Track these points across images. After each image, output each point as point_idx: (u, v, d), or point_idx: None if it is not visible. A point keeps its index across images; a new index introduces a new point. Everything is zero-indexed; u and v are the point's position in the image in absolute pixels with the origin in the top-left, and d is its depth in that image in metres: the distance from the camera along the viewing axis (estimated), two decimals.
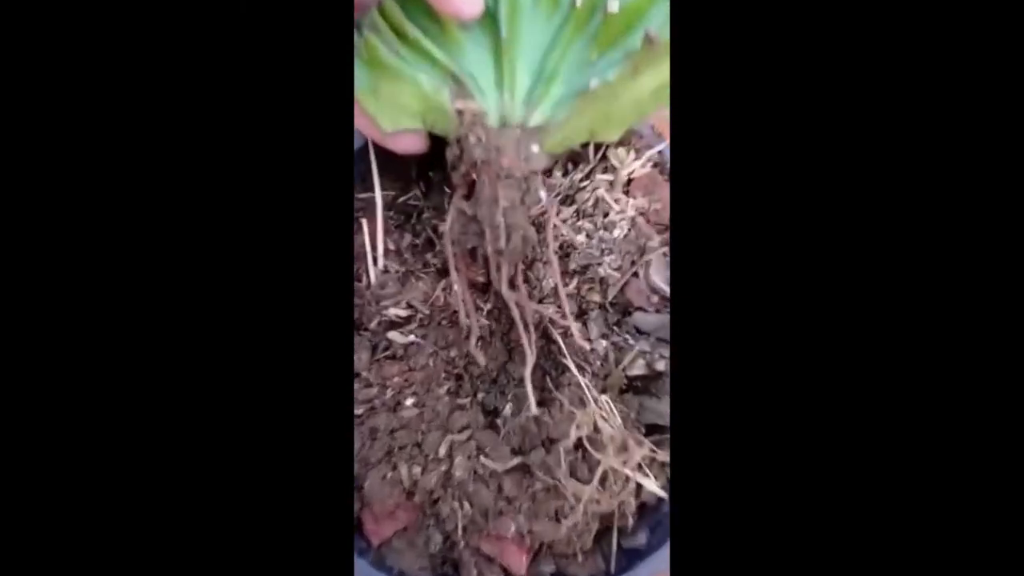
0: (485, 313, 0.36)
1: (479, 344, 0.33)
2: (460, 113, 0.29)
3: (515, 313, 0.30)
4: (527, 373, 0.31)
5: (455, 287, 0.31)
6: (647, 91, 0.29)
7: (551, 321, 0.35)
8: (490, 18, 0.28)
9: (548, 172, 0.34)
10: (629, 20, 0.28)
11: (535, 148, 0.28)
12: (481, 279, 0.33)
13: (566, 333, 0.36)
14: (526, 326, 0.31)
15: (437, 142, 0.32)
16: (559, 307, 0.32)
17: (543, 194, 0.29)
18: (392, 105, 0.30)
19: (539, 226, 0.32)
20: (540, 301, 0.35)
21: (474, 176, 0.29)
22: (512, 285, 0.30)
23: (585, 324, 0.36)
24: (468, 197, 0.30)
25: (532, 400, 0.31)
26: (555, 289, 0.31)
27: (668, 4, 0.27)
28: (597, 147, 0.36)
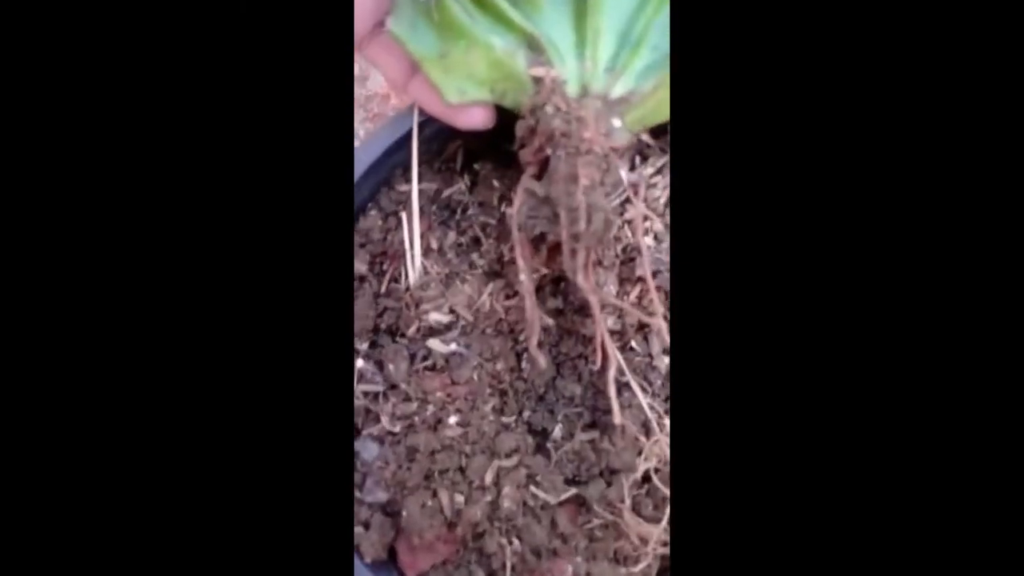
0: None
1: (542, 349, 0.30)
2: (536, 80, 0.25)
3: (595, 307, 0.27)
4: (610, 376, 0.28)
5: (521, 276, 0.27)
6: None
7: (611, 332, 0.31)
8: None
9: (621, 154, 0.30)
10: None
11: (617, 123, 0.25)
12: (541, 271, 0.29)
13: (626, 347, 0.32)
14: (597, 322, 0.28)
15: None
16: (645, 306, 0.28)
17: (624, 174, 0.25)
18: (460, 73, 0.27)
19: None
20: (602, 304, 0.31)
21: (548, 152, 0.26)
22: (587, 275, 0.26)
23: (646, 338, 0.32)
24: (539, 177, 0.26)
25: (616, 406, 0.27)
26: (641, 280, 0.27)
27: None
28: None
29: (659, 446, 0.29)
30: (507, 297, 0.32)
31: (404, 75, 0.29)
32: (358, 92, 0.59)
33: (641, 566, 0.28)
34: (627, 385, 0.31)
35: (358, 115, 0.59)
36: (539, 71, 0.25)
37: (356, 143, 0.56)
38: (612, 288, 0.31)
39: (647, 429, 0.30)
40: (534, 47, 0.25)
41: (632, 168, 0.33)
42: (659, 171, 0.32)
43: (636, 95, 0.25)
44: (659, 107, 0.26)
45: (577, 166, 0.24)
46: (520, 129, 0.26)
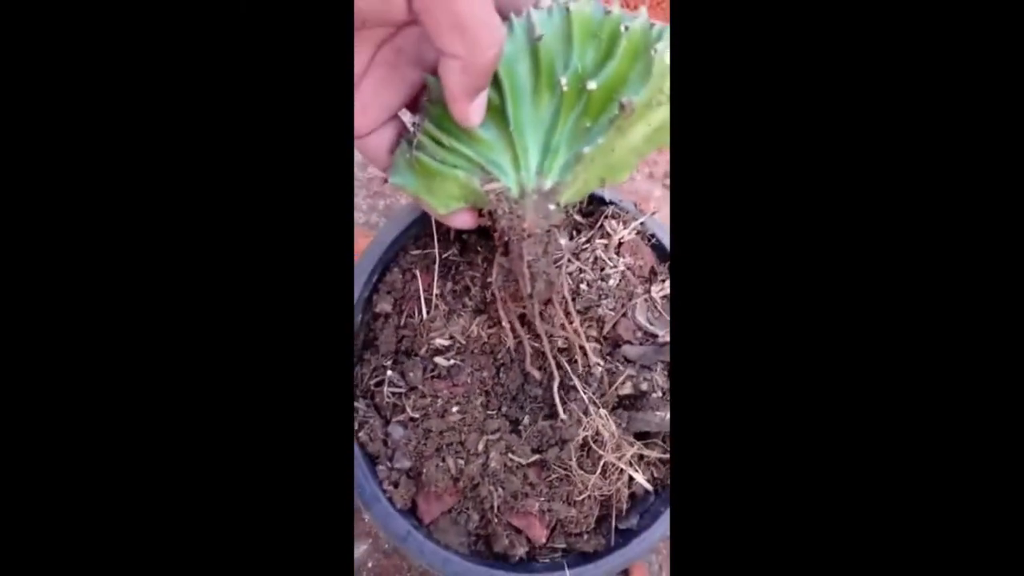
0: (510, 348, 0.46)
1: (513, 365, 0.43)
2: (488, 192, 0.38)
3: (544, 339, 0.41)
4: (555, 386, 0.41)
5: (504, 323, 0.41)
6: (639, 140, 0.36)
7: (560, 350, 0.46)
8: (500, 114, 0.37)
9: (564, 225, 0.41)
10: (608, 93, 0.34)
11: (552, 207, 0.38)
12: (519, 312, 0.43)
13: (571, 360, 0.46)
14: (549, 349, 0.42)
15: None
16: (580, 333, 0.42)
17: (563, 241, 0.39)
18: (443, 195, 0.40)
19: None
20: (550, 337, 0.46)
21: (507, 238, 0.40)
22: (542, 317, 0.41)
23: (586, 353, 0.47)
24: (505, 254, 0.40)
25: (560, 405, 0.41)
26: (567, 313, 0.41)
27: (640, 75, 0.34)
28: (597, 215, 0.48)
29: (592, 423, 0.42)
30: (489, 327, 0.46)
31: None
32: (361, 175, 0.74)
33: (585, 503, 0.41)
34: (573, 387, 0.45)
35: (361, 192, 0.74)
36: (489, 187, 0.37)
37: (360, 218, 0.71)
38: (559, 323, 0.46)
39: (586, 412, 0.44)
40: (484, 171, 0.37)
41: (571, 238, 0.48)
42: (588, 240, 0.47)
43: (561, 185, 0.38)
44: (584, 187, 0.39)
45: (522, 247, 0.37)
46: (486, 224, 0.40)
